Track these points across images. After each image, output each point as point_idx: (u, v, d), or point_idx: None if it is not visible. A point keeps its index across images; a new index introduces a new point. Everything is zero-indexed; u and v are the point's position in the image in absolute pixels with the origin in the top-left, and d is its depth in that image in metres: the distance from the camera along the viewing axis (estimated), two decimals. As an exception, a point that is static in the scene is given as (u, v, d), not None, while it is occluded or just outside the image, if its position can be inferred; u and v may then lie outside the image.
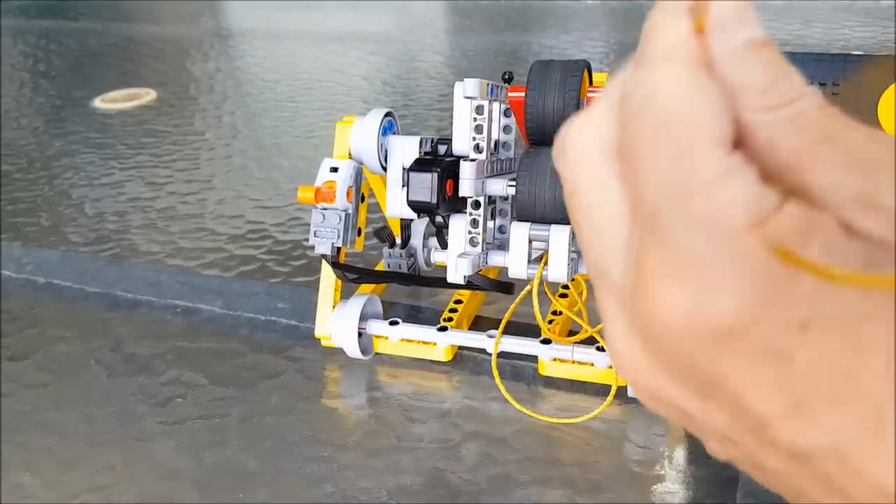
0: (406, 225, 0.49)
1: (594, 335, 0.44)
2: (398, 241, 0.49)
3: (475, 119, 0.42)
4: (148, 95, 1.10)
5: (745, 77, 0.14)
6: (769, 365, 0.13)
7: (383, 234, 0.48)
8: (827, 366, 0.13)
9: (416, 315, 0.52)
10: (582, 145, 0.16)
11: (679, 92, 0.14)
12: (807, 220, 0.13)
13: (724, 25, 0.14)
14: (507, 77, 0.44)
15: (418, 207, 0.42)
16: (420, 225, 0.50)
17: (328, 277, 0.47)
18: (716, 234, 0.13)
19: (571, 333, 0.46)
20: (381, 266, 0.50)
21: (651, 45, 0.15)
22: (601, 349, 0.43)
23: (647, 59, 0.15)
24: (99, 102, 1.08)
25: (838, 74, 0.67)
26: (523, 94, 0.41)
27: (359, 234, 0.47)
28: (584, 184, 0.16)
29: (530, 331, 0.46)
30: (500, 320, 0.45)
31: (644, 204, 0.14)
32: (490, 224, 0.45)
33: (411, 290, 0.55)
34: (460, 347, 0.47)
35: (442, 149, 0.44)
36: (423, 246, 0.50)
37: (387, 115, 0.46)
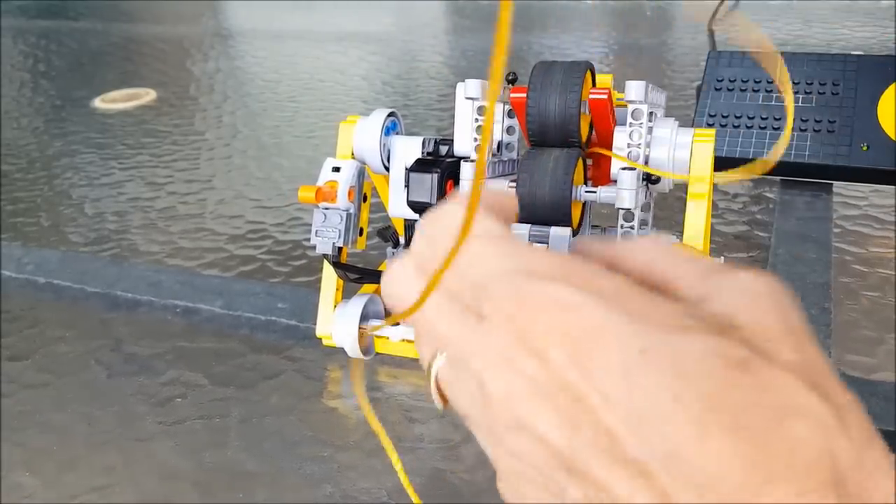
0: (410, 225, 0.49)
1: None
2: (402, 240, 0.49)
3: (477, 120, 0.42)
4: (148, 95, 1.10)
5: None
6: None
7: (386, 234, 0.48)
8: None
9: (416, 315, 0.52)
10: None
11: None
12: None
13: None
14: (510, 78, 0.44)
15: (418, 208, 0.42)
16: (421, 225, 0.50)
17: (329, 277, 0.47)
18: None
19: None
20: (384, 266, 0.50)
21: None
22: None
23: None
24: (99, 102, 1.08)
25: (838, 74, 0.67)
26: (525, 94, 0.41)
27: (361, 233, 0.47)
28: None
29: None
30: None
31: None
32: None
33: (412, 291, 0.55)
34: (461, 348, 0.47)
35: (443, 149, 0.44)
36: (424, 246, 0.50)
37: (390, 115, 0.46)
